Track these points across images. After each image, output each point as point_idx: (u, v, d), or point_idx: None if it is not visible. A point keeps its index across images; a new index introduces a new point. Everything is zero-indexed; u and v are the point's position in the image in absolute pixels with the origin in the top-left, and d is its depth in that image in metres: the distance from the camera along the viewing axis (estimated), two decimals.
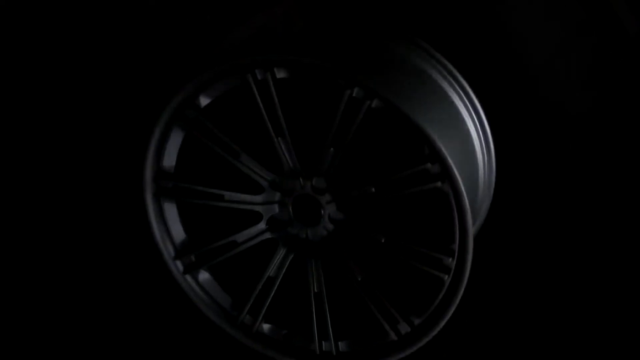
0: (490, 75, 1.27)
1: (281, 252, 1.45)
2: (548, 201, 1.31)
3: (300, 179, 1.36)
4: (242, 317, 1.51)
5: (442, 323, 1.32)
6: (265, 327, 1.52)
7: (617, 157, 1.25)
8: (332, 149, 1.29)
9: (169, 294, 1.54)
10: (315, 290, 1.43)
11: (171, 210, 1.49)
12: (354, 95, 1.21)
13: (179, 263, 1.52)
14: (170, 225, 1.50)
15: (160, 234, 1.49)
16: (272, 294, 1.46)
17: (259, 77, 1.27)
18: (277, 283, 1.45)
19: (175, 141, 1.41)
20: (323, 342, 1.46)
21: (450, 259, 1.27)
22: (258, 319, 1.49)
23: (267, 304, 1.47)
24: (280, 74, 1.26)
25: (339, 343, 1.46)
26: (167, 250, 1.51)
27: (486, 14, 1.22)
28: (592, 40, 1.18)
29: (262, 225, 1.44)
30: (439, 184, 1.21)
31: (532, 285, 1.40)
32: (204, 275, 1.53)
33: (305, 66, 1.22)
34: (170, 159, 1.43)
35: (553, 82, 1.24)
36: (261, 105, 1.28)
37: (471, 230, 1.21)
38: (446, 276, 1.28)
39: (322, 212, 1.38)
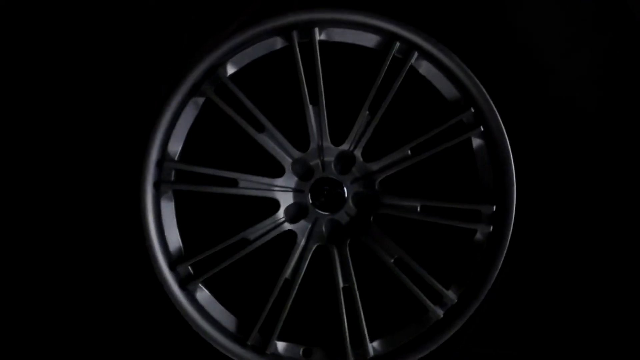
0: (498, 73, 1.30)
1: (301, 246, 1.32)
2: (559, 198, 1.32)
3: (324, 159, 1.32)
4: (253, 338, 1.28)
5: (492, 281, 1.29)
6: (280, 345, 1.30)
7: (628, 156, 1.27)
8: (367, 112, 1.30)
9: (164, 305, 1.25)
10: (343, 284, 1.30)
11: (168, 209, 1.29)
12: (395, 53, 1.29)
13: (173, 275, 1.27)
14: (166, 227, 1.28)
15: (155, 237, 1.26)
16: (290, 303, 1.28)
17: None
18: (296, 287, 1.29)
19: (187, 118, 1.28)
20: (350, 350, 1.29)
21: (493, 207, 1.30)
22: (272, 337, 1.28)
23: (285, 315, 1.28)
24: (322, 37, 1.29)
25: (372, 345, 1.31)
26: (162, 258, 1.26)
27: (492, 10, 1.26)
28: (603, 36, 1.20)
29: (279, 216, 1.31)
30: (480, 128, 1.30)
31: (539, 283, 1.40)
32: (201, 291, 1.29)
33: (354, 24, 1.28)
34: (177, 142, 1.28)
35: (563, 79, 1.26)
36: (301, 68, 1.27)
37: (512, 167, 1.29)
38: (490, 227, 1.30)
39: (346, 193, 1.33)
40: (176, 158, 1.27)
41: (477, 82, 1.28)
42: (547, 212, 1.35)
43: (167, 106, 1.24)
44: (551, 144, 1.30)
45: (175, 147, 1.27)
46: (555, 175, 1.32)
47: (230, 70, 1.27)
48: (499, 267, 1.29)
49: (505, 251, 1.29)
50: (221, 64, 1.26)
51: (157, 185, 1.25)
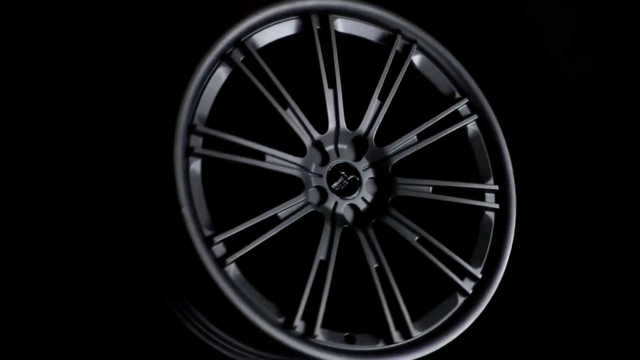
0: (503, 69, 1.30)
1: (327, 228, 1.27)
2: (565, 197, 1.33)
3: (338, 145, 1.33)
4: (297, 321, 1.16)
5: (507, 256, 1.34)
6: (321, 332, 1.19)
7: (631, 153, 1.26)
8: (378, 100, 1.37)
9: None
10: (375, 265, 1.27)
11: (196, 180, 1.17)
12: (398, 48, 1.40)
13: (209, 253, 1.13)
14: (195, 201, 1.15)
15: (188, 205, 1.12)
16: (329, 284, 1.21)
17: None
18: (332, 268, 1.22)
19: (215, 84, 1.22)
20: (395, 332, 1.23)
21: (496, 186, 1.40)
22: (317, 323, 1.17)
23: (326, 296, 1.19)
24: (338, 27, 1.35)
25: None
26: (196, 230, 1.12)
27: (497, 6, 1.29)
28: (609, 32, 1.19)
29: (303, 196, 1.26)
30: (475, 117, 1.42)
31: (548, 284, 1.40)
32: (235, 272, 1.16)
33: (362, 16, 1.37)
34: (204, 107, 1.20)
35: (569, 77, 1.26)
36: (319, 50, 1.31)
37: (507, 152, 1.41)
38: (498, 205, 1.39)
39: (361, 179, 1.34)
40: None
41: (469, 76, 1.42)
42: (551, 214, 1.41)
43: (199, 67, 1.17)
44: (558, 137, 1.34)
45: (203, 114, 1.18)
46: (562, 172, 1.36)
47: (258, 45, 1.26)
48: (511, 241, 1.35)
49: (514, 226, 1.36)
50: (248, 37, 1.24)
51: (188, 152, 1.13)
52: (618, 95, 1.31)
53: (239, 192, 1.24)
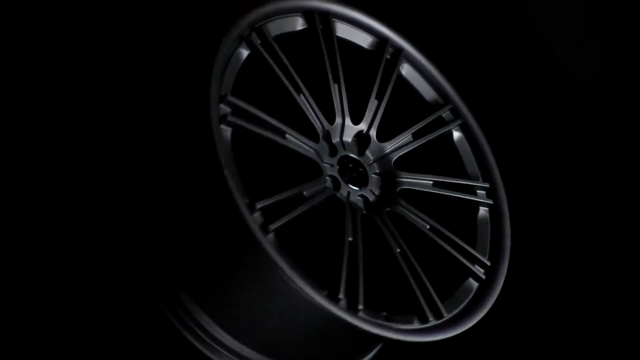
0: (503, 70, 1.28)
1: (350, 211, 1.26)
2: (565, 195, 1.31)
3: (343, 139, 1.36)
4: (341, 294, 1.12)
5: (508, 246, 1.39)
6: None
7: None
8: (376, 100, 1.42)
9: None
10: (398, 250, 1.27)
11: (228, 148, 1.13)
12: (388, 56, 1.47)
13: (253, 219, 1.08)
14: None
15: (230, 172, 1.08)
16: (362, 260, 1.19)
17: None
18: (361, 248, 1.21)
19: (235, 63, 1.21)
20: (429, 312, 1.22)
21: (488, 184, 1.46)
22: (359, 294, 1.14)
23: (362, 271, 1.17)
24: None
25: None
26: (239, 194, 1.07)
27: (502, 5, 1.25)
28: (610, 32, 1.17)
29: (323, 180, 1.25)
30: (459, 122, 1.51)
31: (547, 288, 1.41)
32: (274, 242, 1.10)
33: (356, 21, 1.44)
34: (227, 83, 1.18)
35: (575, 75, 1.23)
36: (324, 46, 1.35)
37: (489, 152, 1.49)
38: (491, 200, 1.45)
39: (367, 172, 1.36)
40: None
41: (447, 85, 1.52)
42: (552, 212, 1.41)
43: (225, 41, 1.15)
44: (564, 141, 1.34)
45: (227, 86, 1.15)
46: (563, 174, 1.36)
47: (271, 33, 1.27)
48: (509, 233, 1.40)
49: (508, 220, 1.42)
50: (263, 23, 1.26)
51: (221, 119, 1.09)
52: (619, 94, 1.33)
53: (256, 170, 1.19)
